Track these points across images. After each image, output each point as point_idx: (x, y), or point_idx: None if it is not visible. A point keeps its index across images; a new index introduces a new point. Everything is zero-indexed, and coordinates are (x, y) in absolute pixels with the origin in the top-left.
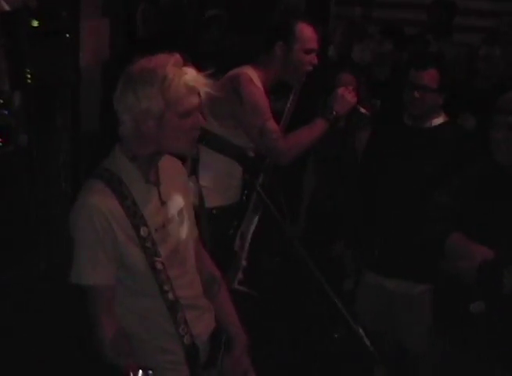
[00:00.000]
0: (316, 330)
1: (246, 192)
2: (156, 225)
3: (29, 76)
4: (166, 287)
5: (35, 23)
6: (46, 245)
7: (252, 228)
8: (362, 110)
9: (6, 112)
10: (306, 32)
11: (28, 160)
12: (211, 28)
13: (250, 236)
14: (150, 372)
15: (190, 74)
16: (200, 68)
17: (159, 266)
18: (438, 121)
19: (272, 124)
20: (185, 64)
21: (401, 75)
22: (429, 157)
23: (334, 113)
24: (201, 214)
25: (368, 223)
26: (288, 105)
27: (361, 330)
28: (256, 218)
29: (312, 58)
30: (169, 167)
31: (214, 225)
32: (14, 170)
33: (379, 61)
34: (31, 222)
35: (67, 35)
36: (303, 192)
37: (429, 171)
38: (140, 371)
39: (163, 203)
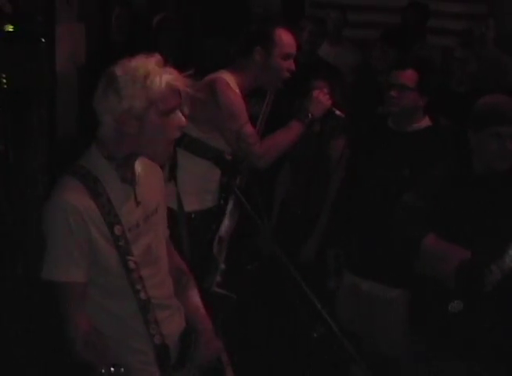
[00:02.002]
0: (295, 329)
1: (223, 195)
2: (130, 224)
3: (4, 80)
4: (138, 287)
5: (10, 28)
6: (23, 249)
7: (230, 231)
8: (338, 113)
9: None
10: (285, 38)
11: (4, 164)
12: (163, 32)
13: (227, 239)
14: (122, 369)
15: (172, 74)
16: (177, 70)
17: (131, 265)
18: (421, 125)
19: (248, 129)
20: (165, 64)
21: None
22: (408, 161)
23: (310, 115)
24: (180, 218)
25: (346, 223)
26: (263, 108)
27: (339, 331)
28: (233, 221)
29: (290, 64)
30: (145, 167)
31: (192, 229)
32: None
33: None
34: (8, 225)
35: (43, 40)
36: (275, 193)
37: (406, 174)
38: (112, 368)
39: (138, 203)
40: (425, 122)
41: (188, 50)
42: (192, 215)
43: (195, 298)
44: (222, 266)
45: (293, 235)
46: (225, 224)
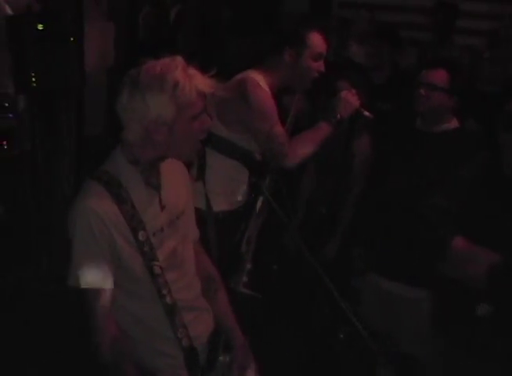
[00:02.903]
0: (321, 330)
1: (252, 195)
2: (155, 229)
3: (34, 80)
4: (164, 291)
5: (40, 27)
6: (48, 248)
7: (257, 231)
8: (366, 113)
9: (11, 115)
10: (316, 39)
11: (32, 164)
12: (182, 24)
13: (255, 238)
14: None
15: (198, 78)
16: (202, 70)
17: (157, 270)
18: (450, 126)
19: (278, 129)
20: (189, 67)
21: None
22: (435, 162)
23: (338, 116)
24: (208, 218)
25: (370, 223)
26: (292, 110)
27: (365, 331)
28: (261, 221)
29: (320, 65)
30: (171, 169)
31: (220, 229)
32: (18, 173)
33: (377, 64)
34: (34, 225)
35: (72, 39)
36: (300, 193)
37: (433, 175)
38: None
39: (162, 207)
40: (454, 123)
41: (210, 47)
42: (221, 215)
43: (226, 307)
44: (249, 266)
45: (318, 234)
46: (253, 224)
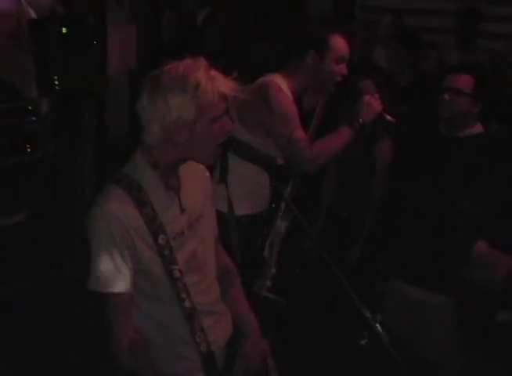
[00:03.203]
0: (343, 337)
1: (275, 199)
2: (175, 232)
3: (56, 83)
4: (183, 295)
5: (63, 31)
6: (71, 252)
7: (281, 235)
8: (388, 118)
9: (34, 118)
10: (339, 43)
11: (55, 167)
12: (208, 28)
13: (279, 243)
14: None
15: (220, 80)
16: (224, 72)
17: (176, 274)
18: (473, 131)
19: (299, 133)
20: (211, 69)
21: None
22: (459, 167)
23: (360, 120)
24: (230, 221)
25: (392, 227)
26: (316, 114)
27: (387, 338)
28: (285, 226)
29: (343, 68)
30: (190, 171)
31: (243, 233)
32: (41, 176)
33: (398, 68)
34: (57, 228)
35: (95, 42)
36: (322, 197)
37: (456, 180)
38: None
39: (182, 210)
40: (477, 128)
41: (235, 50)
42: (243, 219)
43: (241, 298)
44: (273, 271)
45: (339, 238)
46: (276, 228)
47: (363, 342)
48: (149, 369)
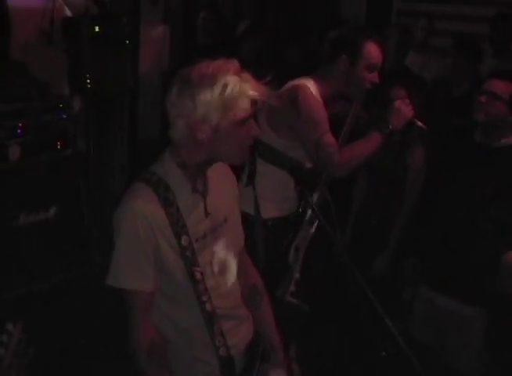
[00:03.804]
0: (364, 346)
1: (302, 204)
2: (198, 235)
3: (89, 81)
4: (204, 298)
5: (96, 29)
6: (101, 248)
7: (307, 240)
8: (419, 124)
9: (65, 116)
10: (372, 50)
11: (85, 165)
12: (247, 40)
13: (304, 248)
14: None
15: (250, 83)
16: (256, 76)
17: (198, 276)
18: (510, 140)
19: (328, 138)
20: (242, 71)
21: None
22: (492, 177)
23: (390, 126)
24: (256, 223)
25: (424, 235)
26: (348, 120)
27: (408, 349)
28: (311, 231)
29: (374, 76)
30: (218, 176)
31: (269, 236)
32: (71, 174)
33: (456, 76)
34: (87, 225)
35: (127, 41)
36: (352, 204)
37: (490, 190)
38: None
39: (207, 214)
40: None
41: (270, 58)
42: (269, 223)
43: (269, 318)
44: (297, 276)
45: (368, 246)
46: (302, 233)
47: (384, 353)
48: (166, 371)
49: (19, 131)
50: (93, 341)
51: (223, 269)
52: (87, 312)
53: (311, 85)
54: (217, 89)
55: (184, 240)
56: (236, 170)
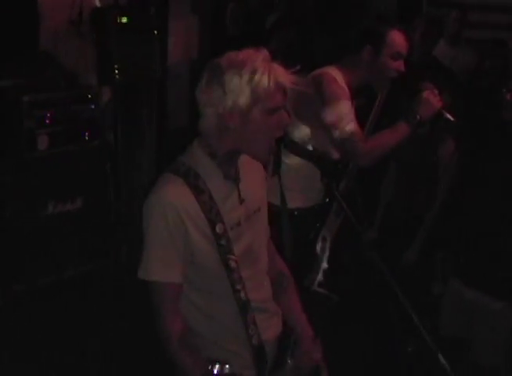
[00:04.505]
0: (390, 341)
1: (329, 195)
2: (232, 222)
3: (117, 72)
4: (238, 287)
5: (125, 20)
6: (128, 239)
7: (334, 230)
8: (447, 116)
9: (93, 106)
10: (396, 38)
11: (113, 155)
12: (277, 33)
13: (331, 238)
14: (227, 366)
15: (279, 71)
16: (285, 66)
17: (233, 265)
18: None
19: (353, 125)
20: (272, 60)
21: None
22: None
23: (418, 117)
24: (282, 214)
25: (456, 228)
26: (374, 109)
27: (434, 344)
28: (338, 221)
29: (399, 64)
30: (249, 165)
31: (295, 227)
32: (99, 164)
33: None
34: (114, 216)
35: (156, 32)
36: (380, 196)
37: None
38: (217, 365)
39: (241, 201)
40: None
41: (299, 49)
42: (296, 213)
43: (296, 303)
44: (325, 265)
45: (397, 239)
46: (329, 223)
47: (410, 349)
48: (199, 356)
49: (47, 121)
50: (117, 331)
51: (256, 259)
52: (114, 302)
53: (335, 73)
54: (246, 77)
55: (219, 228)
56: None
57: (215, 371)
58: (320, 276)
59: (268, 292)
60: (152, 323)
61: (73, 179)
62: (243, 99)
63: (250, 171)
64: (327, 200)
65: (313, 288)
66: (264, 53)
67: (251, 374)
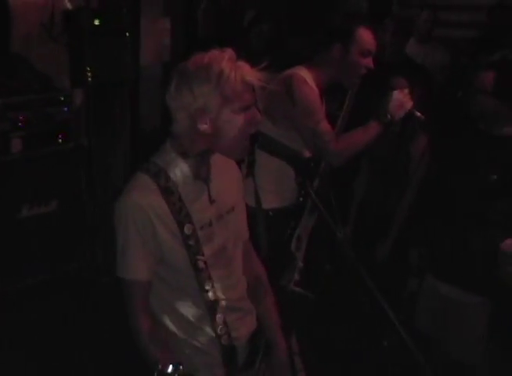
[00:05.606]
0: (366, 336)
1: (302, 193)
2: (202, 223)
3: (89, 74)
4: (207, 287)
5: (96, 22)
6: (102, 240)
7: (308, 229)
8: (417, 114)
9: (66, 109)
10: (365, 36)
11: (87, 157)
12: (254, 31)
13: (306, 237)
14: (180, 367)
15: (245, 69)
16: (252, 65)
17: (201, 265)
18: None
19: (324, 126)
20: (238, 59)
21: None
22: (496, 166)
23: (389, 116)
24: (258, 215)
25: (428, 224)
26: (345, 108)
27: (409, 338)
28: (312, 220)
29: (369, 61)
30: (221, 164)
31: (270, 227)
32: (73, 166)
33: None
34: (88, 217)
35: (128, 34)
36: (353, 194)
37: (493, 178)
38: (170, 365)
39: (212, 201)
40: None
41: (274, 48)
42: (270, 213)
43: (272, 311)
44: (300, 264)
45: (371, 235)
46: (304, 222)
47: (385, 343)
48: (168, 352)
49: (20, 124)
50: (93, 332)
51: (230, 260)
52: (90, 303)
53: (305, 74)
54: (213, 78)
55: (187, 229)
56: (236, 161)
57: (169, 370)
58: (296, 275)
59: (243, 291)
60: (127, 324)
61: (47, 182)
62: (213, 101)
63: (224, 171)
64: (301, 199)
65: (289, 287)
66: (229, 53)
67: (221, 372)
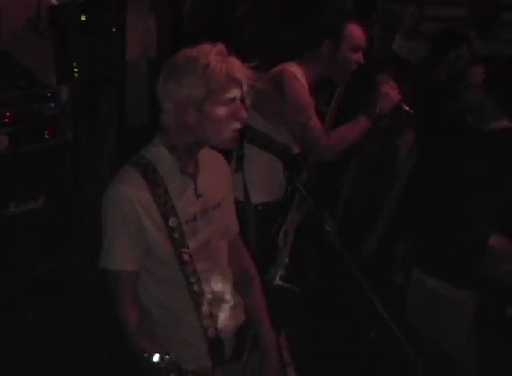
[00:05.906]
0: (354, 327)
1: (290, 188)
2: (188, 216)
3: (76, 70)
4: (192, 279)
5: (83, 17)
6: (90, 237)
7: (296, 224)
8: (406, 108)
9: (53, 105)
10: (355, 31)
11: (74, 153)
12: (247, 24)
13: (293, 232)
14: (167, 357)
15: (234, 64)
16: (244, 61)
17: (186, 258)
18: (500, 125)
19: (314, 122)
20: (228, 54)
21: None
22: (484, 160)
23: (378, 110)
24: (247, 209)
25: (414, 218)
26: (333, 103)
27: (398, 330)
28: (300, 215)
29: (359, 57)
30: (210, 159)
31: (259, 221)
32: (60, 162)
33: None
34: (76, 214)
35: (114, 29)
36: (341, 189)
37: (481, 173)
38: (157, 354)
39: (198, 196)
40: (504, 123)
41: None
42: (260, 207)
43: (260, 304)
44: (286, 260)
45: (358, 230)
46: (291, 217)
47: (373, 334)
48: (156, 344)
49: (6, 120)
50: (80, 329)
51: (215, 252)
52: (78, 301)
53: (295, 70)
54: (199, 70)
55: (172, 222)
56: (225, 156)
57: (155, 360)
58: (282, 270)
59: (229, 284)
60: (115, 322)
61: (34, 178)
62: (197, 92)
63: (212, 166)
64: (288, 193)
65: (275, 282)
66: (218, 47)
67: (208, 364)
